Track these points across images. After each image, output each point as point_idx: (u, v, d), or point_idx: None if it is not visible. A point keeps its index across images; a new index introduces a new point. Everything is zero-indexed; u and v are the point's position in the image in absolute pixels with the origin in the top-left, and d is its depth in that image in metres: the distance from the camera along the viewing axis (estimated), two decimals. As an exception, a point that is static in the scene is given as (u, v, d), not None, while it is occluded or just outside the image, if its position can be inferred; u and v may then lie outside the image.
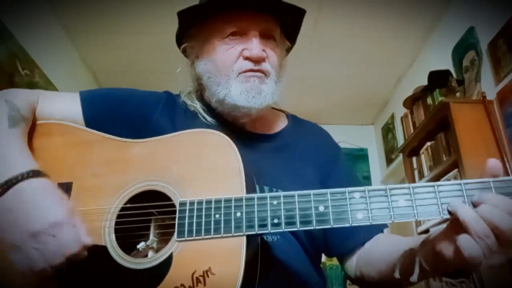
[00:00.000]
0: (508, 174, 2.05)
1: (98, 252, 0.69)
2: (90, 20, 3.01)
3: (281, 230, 0.63)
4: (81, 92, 0.90)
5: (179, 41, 0.96)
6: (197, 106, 0.93)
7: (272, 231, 0.63)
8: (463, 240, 0.53)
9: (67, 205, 0.66)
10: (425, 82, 2.75)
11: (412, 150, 2.97)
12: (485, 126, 2.21)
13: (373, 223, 0.61)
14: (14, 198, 0.63)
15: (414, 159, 2.98)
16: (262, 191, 0.83)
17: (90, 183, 0.75)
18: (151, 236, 0.74)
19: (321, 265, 0.94)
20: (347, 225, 0.61)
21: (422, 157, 2.82)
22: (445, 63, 2.80)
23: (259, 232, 0.63)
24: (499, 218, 0.52)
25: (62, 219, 0.63)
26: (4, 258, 0.64)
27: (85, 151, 0.79)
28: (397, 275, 0.66)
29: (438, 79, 2.62)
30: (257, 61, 0.84)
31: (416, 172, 2.93)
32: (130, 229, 0.72)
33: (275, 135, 0.96)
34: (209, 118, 0.91)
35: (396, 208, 0.60)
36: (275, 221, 0.63)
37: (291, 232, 0.80)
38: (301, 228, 0.62)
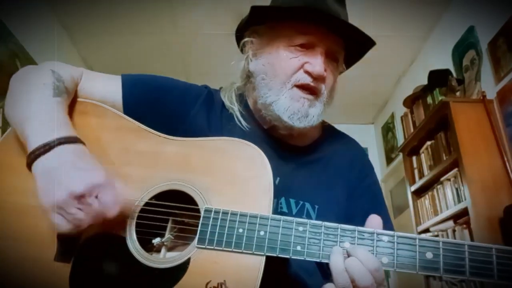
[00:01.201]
0: (508, 172, 2.05)
1: (116, 242, 0.69)
2: (90, 20, 3.01)
3: (302, 258, 0.63)
4: (123, 76, 0.89)
5: (240, 32, 0.94)
6: (235, 108, 0.91)
7: (293, 257, 0.63)
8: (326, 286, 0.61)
9: (105, 169, 0.68)
10: (425, 81, 2.75)
11: (412, 149, 2.97)
12: (485, 125, 2.22)
13: (397, 270, 0.61)
14: (56, 159, 0.66)
15: (414, 158, 2.98)
16: (288, 203, 0.83)
17: (119, 171, 0.75)
18: (167, 234, 0.74)
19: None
20: None
21: (422, 156, 2.83)
22: (445, 62, 2.80)
23: (279, 255, 0.63)
24: (360, 274, 0.59)
25: (103, 181, 0.66)
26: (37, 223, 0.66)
27: (120, 138, 0.79)
28: None
29: (438, 78, 2.63)
30: (317, 78, 0.82)
31: (416, 171, 2.93)
32: (150, 224, 0.72)
33: (308, 147, 0.94)
34: (244, 123, 0.89)
35: (421, 260, 0.61)
36: (298, 248, 0.63)
37: None
38: (323, 260, 0.63)
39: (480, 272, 0.59)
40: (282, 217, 0.66)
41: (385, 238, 0.62)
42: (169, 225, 0.75)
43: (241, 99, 0.94)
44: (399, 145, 3.33)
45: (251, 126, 0.90)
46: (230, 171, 0.72)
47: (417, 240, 0.62)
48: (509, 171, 2.07)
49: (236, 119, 0.90)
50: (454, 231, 2.35)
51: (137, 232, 0.71)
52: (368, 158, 1.03)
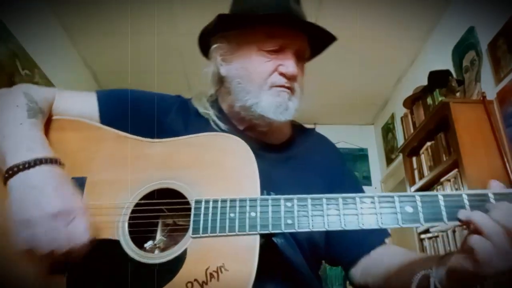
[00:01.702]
0: (508, 173, 2.05)
1: (111, 246, 0.70)
2: (90, 20, 3.01)
3: (294, 230, 0.66)
4: (98, 92, 0.92)
5: (205, 38, 0.97)
6: (210, 113, 0.94)
7: (285, 230, 0.66)
8: (474, 239, 0.58)
9: (82, 199, 0.69)
10: (425, 82, 2.75)
11: (412, 150, 2.97)
12: (485, 126, 2.21)
13: (382, 226, 0.65)
14: (35, 178, 0.66)
15: (414, 159, 2.98)
16: None
17: (105, 178, 0.76)
18: (158, 236, 0.75)
19: (321, 265, 0.96)
20: (357, 228, 0.65)
21: (422, 157, 2.82)
22: (445, 63, 2.80)
23: (272, 231, 0.66)
24: (508, 220, 0.58)
25: (80, 209, 0.66)
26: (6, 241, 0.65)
27: (101, 147, 0.80)
28: None
29: (438, 79, 2.62)
30: (290, 78, 0.88)
31: (416, 172, 2.93)
32: (143, 225, 0.73)
33: (282, 145, 0.98)
34: (222, 125, 0.93)
35: (403, 214, 0.65)
36: (289, 221, 0.66)
37: (293, 238, 0.83)
38: (313, 229, 0.66)
39: (455, 216, 0.63)
40: (270, 196, 0.69)
41: (368, 200, 0.67)
42: (160, 226, 0.76)
43: (215, 105, 0.97)
44: (399, 146, 3.33)
45: (227, 127, 0.93)
46: (216, 163, 0.75)
47: (395, 197, 0.66)
48: (509, 171, 2.06)
49: (212, 123, 0.93)
50: (454, 231, 2.34)
51: (131, 232, 0.72)
52: (339, 151, 1.09)
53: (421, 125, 2.72)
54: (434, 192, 0.66)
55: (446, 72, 2.62)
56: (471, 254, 0.58)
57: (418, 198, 0.65)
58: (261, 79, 0.88)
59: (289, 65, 0.87)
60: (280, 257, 0.77)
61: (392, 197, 0.66)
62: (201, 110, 0.95)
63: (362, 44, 3.26)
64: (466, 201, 0.64)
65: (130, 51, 3.35)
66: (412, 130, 2.97)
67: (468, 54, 2.58)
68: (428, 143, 2.73)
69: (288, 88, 0.89)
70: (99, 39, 3.23)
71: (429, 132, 2.66)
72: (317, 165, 0.96)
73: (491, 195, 0.64)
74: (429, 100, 2.74)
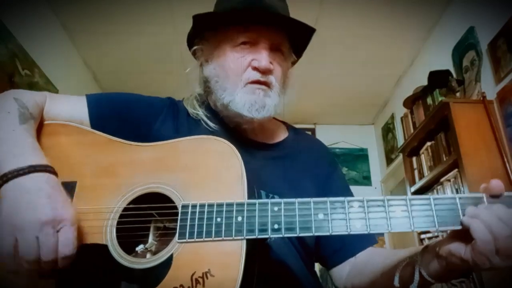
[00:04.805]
0: (508, 173, 2.05)
1: (98, 250, 0.70)
2: (90, 20, 3.01)
3: (280, 235, 0.65)
4: (88, 95, 0.92)
5: (190, 41, 0.99)
6: (199, 113, 0.94)
7: (272, 236, 0.65)
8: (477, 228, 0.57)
9: (74, 209, 0.68)
10: (425, 82, 2.75)
11: (412, 150, 2.97)
12: (485, 126, 2.21)
13: (371, 232, 0.62)
14: (29, 185, 0.66)
15: (414, 159, 2.98)
16: (259, 195, 0.84)
17: (95, 182, 0.76)
18: (150, 239, 0.75)
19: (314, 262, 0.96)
20: (345, 233, 0.63)
21: (422, 157, 2.82)
22: (445, 63, 2.80)
23: (259, 236, 0.65)
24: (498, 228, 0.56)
25: (70, 218, 0.65)
26: None
27: (91, 151, 0.80)
28: (396, 283, 0.68)
29: (438, 79, 2.62)
30: (264, 72, 0.87)
31: (416, 172, 2.92)
32: (131, 229, 0.73)
33: (276, 144, 0.98)
34: (212, 125, 0.93)
35: (393, 219, 0.62)
36: (275, 226, 0.64)
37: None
38: (300, 235, 0.64)
39: (447, 221, 0.61)
40: (257, 201, 0.67)
41: (356, 204, 0.64)
42: (152, 230, 0.76)
43: (204, 104, 0.98)
44: (399, 146, 3.33)
45: (218, 126, 0.93)
46: (203, 165, 0.74)
47: (385, 201, 0.63)
48: (509, 171, 2.06)
49: (203, 122, 0.93)
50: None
51: (120, 237, 0.71)
52: (332, 155, 1.07)
53: (421, 125, 2.72)
54: (426, 196, 0.64)
55: (446, 72, 2.62)
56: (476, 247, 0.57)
57: (408, 201, 0.62)
58: (235, 76, 0.88)
59: (261, 58, 0.86)
60: (271, 256, 0.78)
61: (382, 200, 0.63)
62: (190, 110, 0.95)
63: (362, 44, 3.26)
64: (458, 205, 0.61)
65: (130, 51, 3.35)
66: (412, 130, 2.97)
67: (468, 54, 2.58)
68: (428, 143, 2.73)
69: (263, 83, 0.88)
70: (99, 39, 3.23)
71: (429, 132, 2.66)
72: (308, 168, 0.96)
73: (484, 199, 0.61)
74: (429, 100, 2.74)
